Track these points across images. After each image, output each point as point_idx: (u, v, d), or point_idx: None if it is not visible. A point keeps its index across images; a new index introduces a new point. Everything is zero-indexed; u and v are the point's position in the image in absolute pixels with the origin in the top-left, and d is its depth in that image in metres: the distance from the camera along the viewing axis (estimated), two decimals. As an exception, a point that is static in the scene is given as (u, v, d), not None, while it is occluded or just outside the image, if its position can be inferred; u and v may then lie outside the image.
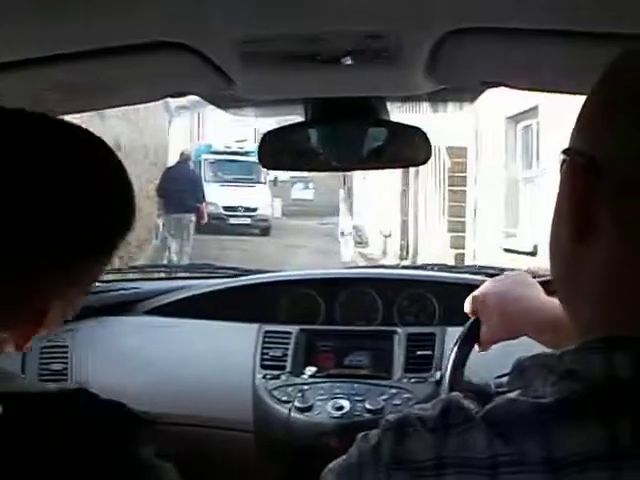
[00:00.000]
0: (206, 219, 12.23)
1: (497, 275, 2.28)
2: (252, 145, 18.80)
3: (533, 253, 7.97)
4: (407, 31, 1.15)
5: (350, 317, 2.25)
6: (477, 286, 1.41)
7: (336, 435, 1.84)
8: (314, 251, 14.37)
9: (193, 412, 1.99)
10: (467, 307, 1.38)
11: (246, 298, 2.27)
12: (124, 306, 2.27)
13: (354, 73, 1.38)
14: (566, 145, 0.66)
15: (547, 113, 7.66)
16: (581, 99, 0.68)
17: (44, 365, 2.07)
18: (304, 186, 26.32)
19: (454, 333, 1.44)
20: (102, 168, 0.79)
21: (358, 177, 19.84)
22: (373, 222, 17.49)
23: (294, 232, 19.03)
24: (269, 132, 1.71)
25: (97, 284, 2.40)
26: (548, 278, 1.49)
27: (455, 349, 1.41)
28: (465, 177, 11.47)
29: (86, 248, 0.76)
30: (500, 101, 8.36)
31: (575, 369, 0.59)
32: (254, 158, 17.88)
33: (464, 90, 1.66)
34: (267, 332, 2.13)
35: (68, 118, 0.84)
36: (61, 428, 0.71)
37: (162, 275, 2.92)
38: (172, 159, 13.39)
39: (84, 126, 0.80)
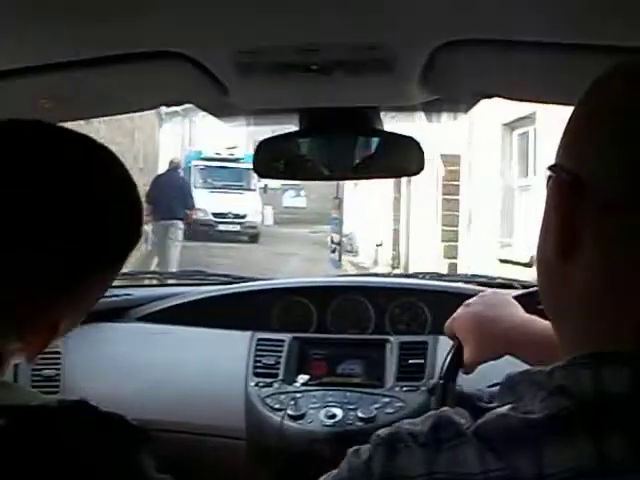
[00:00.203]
0: (190, 221, 12.19)
1: (489, 284, 2.31)
2: (243, 152, 18.78)
3: (529, 264, 7.76)
4: (401, 42, 1.16)
5: (342, 325, 2.26)
6: (469, 295, 1.42)
7: (328, 443, 1.84)
8: (303, 259, 14.30)
9: (185, 419, 1.98)
10: (447, 332, 1.38)
11: (239, 305, 2.27)
12: (116, 312, 2.27)
13: (348, 83, 1.39)
14: None
15: (544, 120, 7.49)
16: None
17: (36, 371, 2.06)
18: (296, 194, 26.14)
19: (446, 342, 1.44)
20: (110, 179, 0.79)
21: (349, 185, 19.78)
22: (364, 231, 17.33)
23: (284, 240, 18.98)
24: (263, 141, 1.72)
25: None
26: (523, 292, 1.50)
27: (443, 375, 1.41)
28: (459, 185, 11.30)
29: (95, 261, 0.76)
30: (496, 108, 8.16)
31: (564, 385, 0.59)
32: (244, 165, 17.89)
33: (457, 100, 1.67)
34: (260, 340, 2.13)
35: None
36: (62, 441, 0.71)
37: (154, 282, 2.92)
38: (162, 165, 13.35)
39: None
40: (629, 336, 0.60)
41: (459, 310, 1.34)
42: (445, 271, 9.85)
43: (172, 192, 11.13)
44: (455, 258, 10.98)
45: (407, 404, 1.92)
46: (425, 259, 11.77)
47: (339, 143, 1.72)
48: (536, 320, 1.21)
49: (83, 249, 0.75)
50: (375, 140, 1.71)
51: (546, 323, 1.16)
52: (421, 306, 2.23)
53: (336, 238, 12.39)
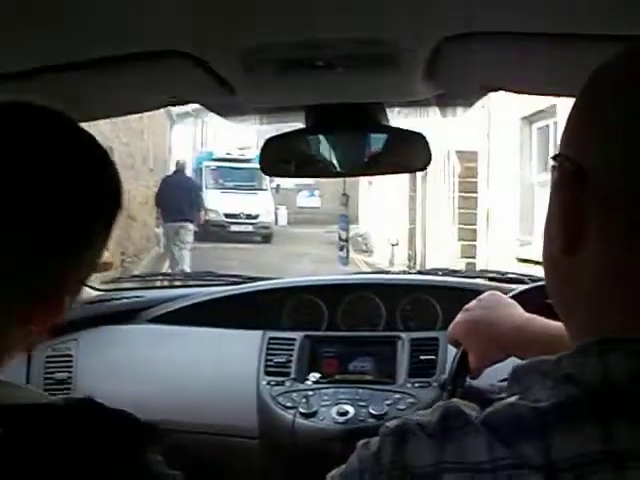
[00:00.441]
0: (202, 222, 12.21)
1: (499, 279, 2.30)
2: (254, 152, 18.79)
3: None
4: (406, 37, 1.15)
5: (353, 323, 2.26)
6: (479, 290, 1.41)
7: (341, 440, 1.84)
8: (316, 259, 14.23)
9: (198, 419, 1.99)
10: (449, 340, 1.39)
11: (249, 305, 2.27)
12: (127, 314, 2.28)
13: (353, 79, 1.38)
14: None
15: (565, 113, 7.31)
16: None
17: (49, 374, 2.07)
18: (310, 193, 25.97)
19: None
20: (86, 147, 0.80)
21: (364, 183, 19.63)
22: (379, 230, 17.05)
23: (297, 240, 18.94)
24: (270, 139, 1.72)
25: (100, 293, 2.41)
26: (520, 290, 1.50)
27: (449, 382, 1.41)
28: (476, 183, 11.03)
29: (89, 220, 0.77)
30: (514, 101, 7.95)
31: (571, 373, 0.59)
32: (256, 165, 17.88)
33: (463, 94, 1.66)
34: (271, 339, 2.13)
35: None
36: (68, 439, 0.71)
37: (164, 283, 2.93)
38: (173, 166, 13.40)
39: None
40: (635, 326, 0.60)
41: (459, 316, 1.34)
42: (461, 270, 9.66)
43: (180, 194, 11.15)
44: (473, 257, 10.70)
45: (419, 400, 1.92)
46: (442, 258, 11.38)
47: (346, 140, 1.72)
48: (536, 319, 1.21)
49: (77, 211, 0.76)
50: (382, 136, 1.71)
51: (546, 322, 1.16)
52: (432, 302, 2.22)
53: (344, 235, 12.29)
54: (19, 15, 0.96)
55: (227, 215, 18.24)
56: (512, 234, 9.20)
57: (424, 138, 1.67)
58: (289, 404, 1.94)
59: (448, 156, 11.41)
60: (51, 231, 0.73)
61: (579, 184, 0.62)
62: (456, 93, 1.62)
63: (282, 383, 2.01)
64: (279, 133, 1.72)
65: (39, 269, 0.73)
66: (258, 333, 2.16)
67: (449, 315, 1.67)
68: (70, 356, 2.11)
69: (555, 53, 1.18)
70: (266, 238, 18.78)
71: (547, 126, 8.55)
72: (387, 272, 3.93)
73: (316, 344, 2.13)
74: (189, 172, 15.57)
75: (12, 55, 1.11)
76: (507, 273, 2.37)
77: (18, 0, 0.93)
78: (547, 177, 8.36)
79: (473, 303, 1.33)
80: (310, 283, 2.39)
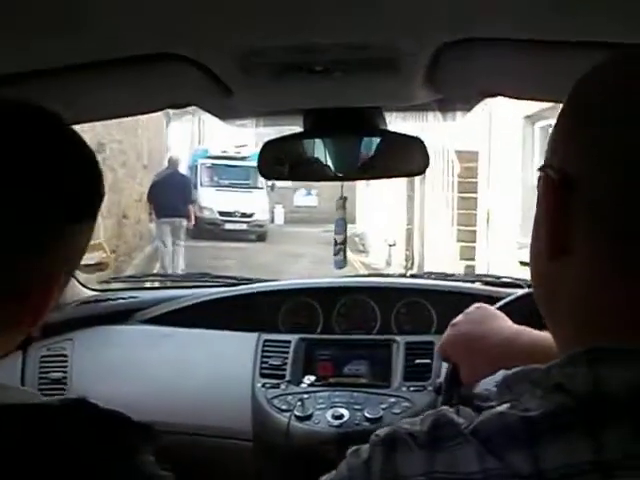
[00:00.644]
0: (193, 221, 12.16)
1: (495, 283, 2.31)
2: (251, 150, 18.75)
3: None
4: (405, 42, 1.15)
5: (349, 326, 2.26)
6: (474, 294, 1.42)
7: (335, 444, 1.85)
8: (312, 259, 14.11)
9: (192, 421, 1.99)
10: (439, 355, 1.39)
11: (245, 307, 2.27)
12: (123, 315, 2.28)
13: (352, 84, 1.39)
14: None
15: None
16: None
17: (43, 374, 2.07)
18: (307, 192, 25.60)
19: None
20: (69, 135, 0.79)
21: (361, 182, 19.49)
22: (377, 230, 16.82)
23: (293, 239, 18.87)
24: (268, 142, 1.72)
25: (96, 293, 2.41)
26: (505, 301, 1.50)
27: (442, 396, 1.42)
28: (476, 183, 10.78)
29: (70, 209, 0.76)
30: (516, 100, 7.90)
31: (561, 382, 0.59)
32: (251, 163, 17.86)
33: (461, 100, 1.66)
34: (266, 341, 2.13)
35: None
36: (62, 439, 0.71)
37: (160, 284, 2.93)
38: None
39: None
40: (621, 334, 0.60)
41: (447, 331, 1.34)
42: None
43: (173, 190, 11.14)
44: (472, 260, 10.35)
45: (414, 404, 1.93)
46: (440, 260, 11.10)
47: (344, 144, 1.73)
48: (525, 331, 1.20)
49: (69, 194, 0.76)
50: (381, 140, 1.71)
51: (535, 333, 1.16)
52: (427, 306, 2.23)
53: (340, 239, 12.18)
54: (18, 17, 0.96)
55: (222, 213, 18.17)
56: (513, 236, 8.97)
57: (422, 143, 1.67)
58: (284, 407, 1.94)
59: (447, 156, 11.19)
60: (20, 224, 0.72)
61: (565, 192, 0.63)
62: (454, 98, 1.62)
63: (277, 386, 2.01)
64: (277, 136, 1.72)
65: (8, 266, 0.72)
66: (253, 335, 2.16)
67: (444, 319, 1.68)
68: (65, 356, 2.11)
69: (553, 60, 1.18)
70: (261, 237, 18.73)
71: (550, 125, 8.18)
72: (382, 275, 3.92)
73: (311, 347, 2.13)
74: (184, 169, 15.53)
75: (10, 57, 1.11)
76: (502, 277, 2.37)
77: (17, 2, 0.92)
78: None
79: (460, 318, 1.33)
80: (306, 286, 2.39)
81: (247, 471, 1.98)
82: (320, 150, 1.71)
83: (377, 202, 17.34)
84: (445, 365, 1.49)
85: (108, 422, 0.74)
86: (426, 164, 1.69)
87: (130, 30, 1.05)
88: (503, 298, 1.61)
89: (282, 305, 2.27)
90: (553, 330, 0.69)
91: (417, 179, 13.45)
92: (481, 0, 0.97)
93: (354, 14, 1.02)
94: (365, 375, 2.07)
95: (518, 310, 1.32)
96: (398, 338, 2.12)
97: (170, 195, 11.06)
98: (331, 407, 1.93)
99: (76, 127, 0.82)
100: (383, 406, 1.93)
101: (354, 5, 0.99)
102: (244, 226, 18.50)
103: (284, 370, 2.06)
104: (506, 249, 8.96)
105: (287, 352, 2.10)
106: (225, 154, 19.57)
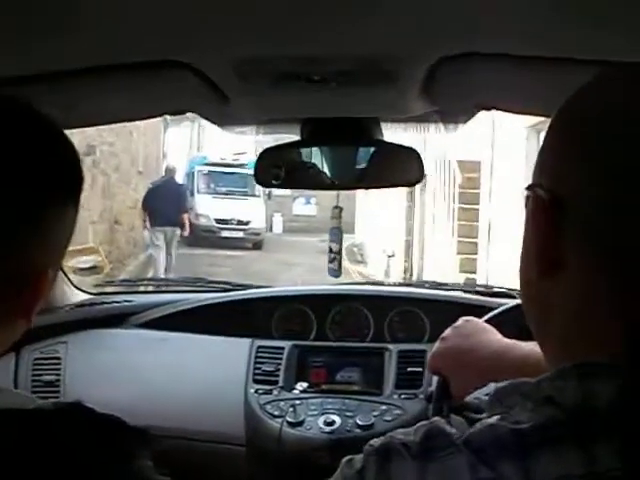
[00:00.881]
0: (188, 231, 12.13)
1: (487, 293, 2.32)
2: (249, 157, 18.70)
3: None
4: (401, 56, 1.17)
5: (342, 333, 2.27)
6: (467, 304, 1.43)
7: (327, 450, 1.85)
8: (309, 269, 13.87)
9: (185, 425, 1.99)
10: (429, 370, 1.39)
11: (239, 313, 2.28)
12: (116, 319, 2.28)
13: (349, 94, 1.40)
14: None
15: None
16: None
17: (37, 376, 2.08)
18: (306, 201, 25.26)
19: None
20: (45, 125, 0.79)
21: (360, 191, 19.34)
22: (376, 240, 16.65)
23: (291, 248, 18.73)
24: (265, 150, 1.73)
25: (90, 297, 2.41)
26: (493, 314, 1.51)
27: (432, 409, 1.42)
28: (478, 194, 10.59)
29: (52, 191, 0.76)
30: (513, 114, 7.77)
31: (551, 395, 0.60)
32: (248, 170, 17.80)
33: (457, 112, 1.68)
34: (259, 347, 2.14)
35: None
36: (57, 443, 0.70)
37: (154, 288, 2.93)
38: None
39: None
40: (611, 349, 0.61)
41: (436, 345, 1.34)
42: (461, 286, 9.24)
43: (169, 199, 11.13)
44: (473, 272, 10.06)
45: (406, 412, 1.94)
46: (440, 272, 10.90)
47: (340, 153, 1.74)
48: (515, 345, 1.21)
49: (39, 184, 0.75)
50: (377, 150, 1.72)
51: (524, 346, 1.16)
52: (420, 315, 2.23)
53: (335, 248, 12.08)
54: (17, 20, 0.96)
55: (218, 220, 18.12)
56: (515, 249, 8.86)
57: (417, 154, 1.69)
58: (276, 412, 1.95)
59: (448, 166, 11.02)
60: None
61: (555, 211, 0.63)
62: (451, 111, 1.64)
63: (270, 391, 2.02)
64: (274, 144, 1.74)
65: None
66: (247, 341, 2.16)
67: (437, 328, 1.69)
68: (59, 359, 2.11)
69: (550, 75, 1.19)
70: (257, 245, 18.67)
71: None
72: (376, 283, 3.92)
73: (304, 353, 2.14)
74: (182, 176, 15.49)
75: (9, 61, 1.12)
76: (494, 287, 2.38)
77: (16, 9, 0.93)
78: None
79: (449, 331, 1.33)
80: (300, 293, 2.40)
81: (240, 476, 1.98)
82: (317, 159, 1.73)
83: (376, 212, 17.22)
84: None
85: (104, 426, 0.74)
86: (421, 175, 1.70)
87: (129, 36, 1.05)
88: (496, 308, 1.62)
89: (276, 311, 2.28)
90: (543, 345, 0.69)
91: (417, 189, 13.26)
92: (480, 15, 0.98)
93: (353, 26, 1.03)
94: (357, 382, 2.08)
95: (507, 322, 1.33)
96: (391, 346, 2.13)
97: (165, 204, 11.05)
98: (323, 413, 1.93)
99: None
100: (375, 413, 1.93)
101: (353, 17, 1.00)
102: (240, 234, 18.44)
103: (277, 376, 2.06)
104: (508, 262, 8.87)
105: (280, 358, 2.11)
106: (223, 161, 19.52)
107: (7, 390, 0.79)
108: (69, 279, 2.39)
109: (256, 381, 2.05)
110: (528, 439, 0.59)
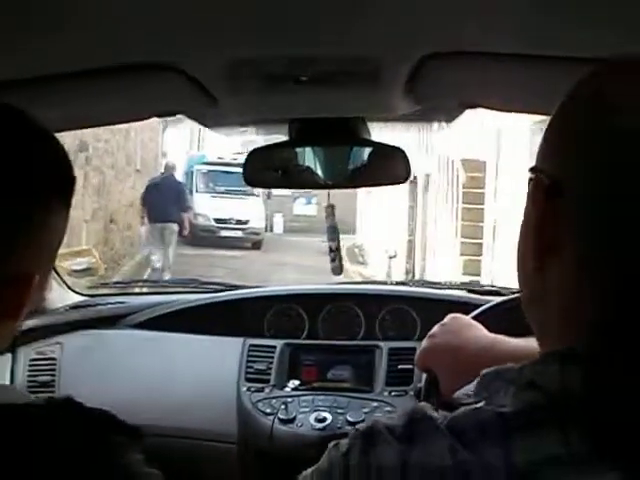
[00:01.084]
0: (188, 230, 12.09)
1: (477, 291, 2.33)
2: (248, 157, 18.49)
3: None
4: (386, 55, 1.17)
5: (333, 332, 2.28)
6: (457, 302, 1.43)
7: (318, 447, 1.84)
8: (309, 270, 13.66)
9: (178, 424, 2.01)
10: (418, 367, 1.40)
11: (231, 313, 2.29)
12: (111, 320, 2.30)
13: (335, 95, 1.41)
14: None
15: None
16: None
17: (32, 377, 2.09)
18: (307, 201, 24.83)
19: None
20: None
21: (362, 191, 19.18)
22: (377, 241, 16.35)
23: (291, 248, 18.60)
24: (254, 150, 1.74)
25: (85, 298, 2.43)
26: (480, 310, 1.51)
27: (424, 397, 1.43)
28: (482, 194, 10.40)
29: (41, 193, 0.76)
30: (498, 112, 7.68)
31: (533, 380, 0.62)
32: (248, 170, 17.66)
33: (442, 111, 1.69)
34: (252, 346, 2.16)
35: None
36: (48, 438, 0.71)
37: (148, 290, 2.94)
38: (163, 168, 13.16)
39: None
40: (600, 341, 0.62)
41: (424, 343, 1.34)
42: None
43: (167, 196, 11.08)
44: (477, 274, 9.77)
45: (396, 408, 1.95)
46: (442, 274, 10.51)
47: (328, 152, 1.75)
48: (501, 340, 1.22)
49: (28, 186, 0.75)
50: (363, 150, 1.73)
51: (511, 341, 1.17)
52: (410, 313, 2.25)
53: (334, 246, 11.94)
54: (7, 27, 0.97)
55: (217, 220, 18.06)
56: None
57: (403, 153, 1.70)
58: (268, 410, 1.97)
59: (452, 165, 10.89)
60: None
61: (553, 199, 0.64)
62: (436, 109, 1.65)
63: (262, 389, 2.04)
64: (263, 145, 1.75)
65: None
66: (239, 340, 2.18)
67: (427, 326, 1.70)
68: (54, 359, 2.13)
69: (531, 72, 1.20)
70: (256, 244, 18.61)
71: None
72: (368, 282, 3.93)
73: (296, 352, 2.16)
74: (180, 175, 15.43)
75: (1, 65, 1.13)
76: (485, 286, 2.40)
77: (4, 8, 0.94)
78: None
79: (436, 329, 1.33)
80: (291, 292, 2.42)
81: (232, 473, 2.00)
82: (306, 158, 1.74)
83: (378, 212, 17.05)
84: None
85: (94, 420, 0.75)
86: (408, 173, 1.71)
87: (116, 39, 1.05)
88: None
89: (267, 311, 2.30)
90: (539, 336, 0.70)
91: (420, 188, 13.12)
92: (464, 14, 0.98)
93: (340, 28, 1.04)
94: (348, 380, 2.10)
95: (494, 318, 1.34)
96: (381, 344, 2.15)
97: (163, 199, 11.00)
98: (314, 411, 1.95)
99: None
100: (365, 410, 1.95)
101: (339, 18, 1.00)
102: (239, 233, 18.36)
103: (269, 374, 2.08)
104: (513, 264, 8.70)
105: (272, 357, 2.12)
106: (221, 160, 19.45)
107: (1, 386, 0.80)
108: (64, 281, 2.41)
109: (248, 379, 2.07)
110: (510, 423, 0.60)
